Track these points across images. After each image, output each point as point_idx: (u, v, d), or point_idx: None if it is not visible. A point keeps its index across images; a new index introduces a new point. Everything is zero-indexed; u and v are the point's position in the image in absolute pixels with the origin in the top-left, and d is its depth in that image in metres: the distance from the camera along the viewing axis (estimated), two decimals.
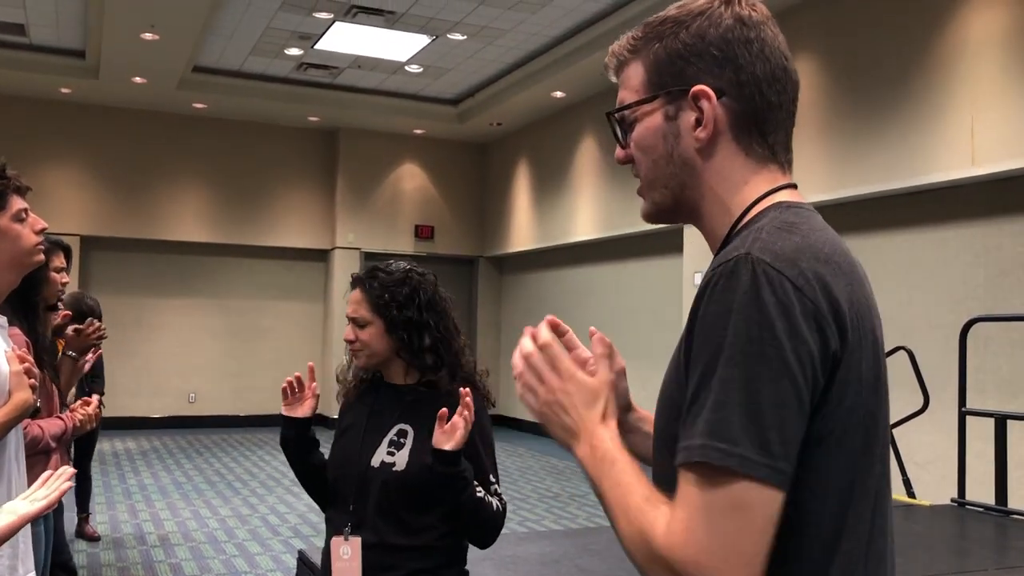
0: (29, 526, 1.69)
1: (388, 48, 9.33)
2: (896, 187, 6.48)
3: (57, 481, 1.49)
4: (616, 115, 1.10)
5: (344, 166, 12.31)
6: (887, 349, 5.68)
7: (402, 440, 2.01)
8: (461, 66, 9.96)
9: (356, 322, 2.06)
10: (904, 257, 6.77)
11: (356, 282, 2.11)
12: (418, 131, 12.32)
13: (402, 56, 9.61)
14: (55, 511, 3.58)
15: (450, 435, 1.88)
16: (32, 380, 2.06)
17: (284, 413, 2.13)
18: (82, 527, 5.88)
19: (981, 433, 4.89)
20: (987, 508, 4.44)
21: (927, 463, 6.23)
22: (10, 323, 2.60)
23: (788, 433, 0.89)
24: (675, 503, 0.92)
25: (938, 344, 6.25)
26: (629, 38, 1.09)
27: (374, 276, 2.09)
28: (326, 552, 2.06)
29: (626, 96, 1.09)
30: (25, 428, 2.59)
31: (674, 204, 1.09)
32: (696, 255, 8.26)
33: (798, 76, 1.09)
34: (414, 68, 10.05)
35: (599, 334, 1.15)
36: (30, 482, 2.68)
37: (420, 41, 9.08)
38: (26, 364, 2.04)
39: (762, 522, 0.89)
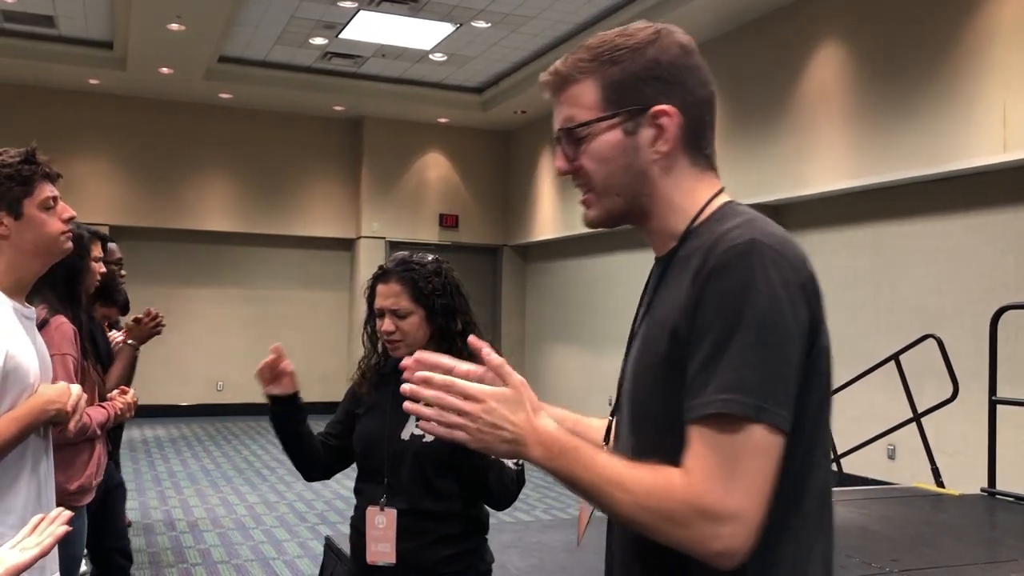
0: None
1: (412, 36, 9.33)
2: (926, 173, 6.39)
3: (51, 526, 1.41)
4: (569, 131, 1.19)
5: (369, 155, 12.34)
6: (917, 337, 5.62)
7: None
8: (485, 54, 9.94)
9: (396, 313, 2.13)
10: (933, 244, 6.69)
11: (389, 274, 2.17)
12: (442, 120, 12.32)
13: (426, 44, 9.60)
14: (117, 498, 3.66)
15: None
16: (75, 404, 2.06)
17: (268, 392, 2.20)
18: None
19: (1012, 422, 4.84)
20: (1017, 498, 4.39)
21: (956, 452, 6.17)
22: (55, 312, 2.64)
23: (791, 388, 1.04)
24: (691, 455, 1.03)
25: (968, 332, 6.17)
26: (575, 60, 1.19)
27: (410, 268, 2.16)
28: (359, 520, 2.16)
29: (576, 113, 1.19)
30: None
31: (626, 209, 1.21)
32: None
33: None
34: (438, 56, 10.04)
35: (485, 348, 1.17)
36: (74, 469, 2.72)
37: (444, 29, 9.07)
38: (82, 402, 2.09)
39: (776, 463, 1.03)
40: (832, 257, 7.62)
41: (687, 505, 1.01)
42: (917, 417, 5.54)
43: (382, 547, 2.09)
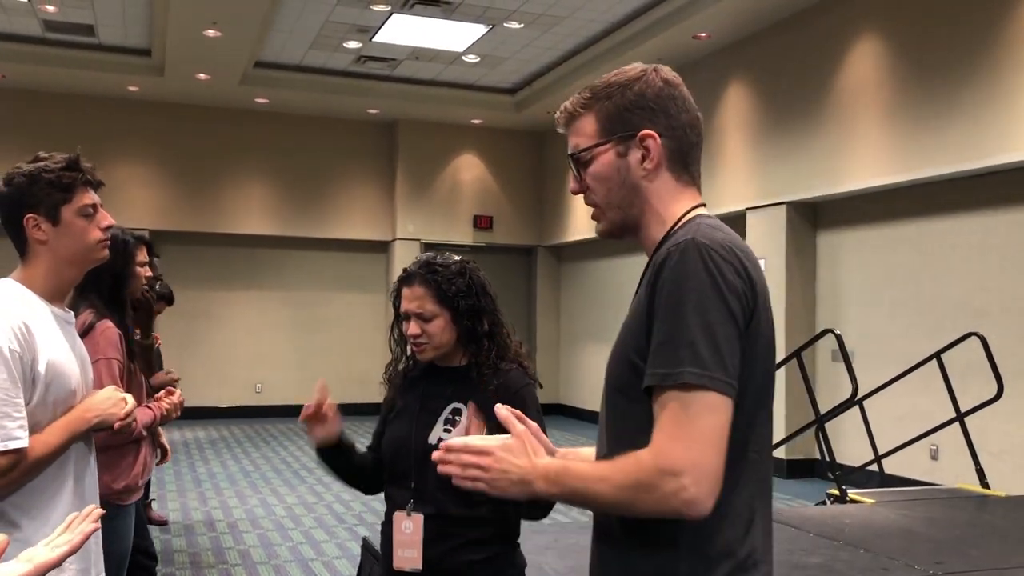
0: (101, 531, 1.64)
1: (445, 39, 9.36)
2: (967, 168, 6.28)
3: (82, 524, 1.43)
4: (575, 156, 1.42)
5: (403, 157, 12.40)
6: (959, 335, 5.54)
7: (457, 418, 2.10)
8: (518, 55, 9.94)
9: (421, 316, 2.11)
10: (976, 240, 6.57)
11: (412, 277, 2.15)
12: (476, 121, 12.34)
13: (459, 46, 9.62)
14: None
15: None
16: (124, 411, 2.07)
17: (316, 444, 2.19)
18: (148, 514, 6.04)
19: None
20: None
21: (1002, 452, 6.05)
22: (101, 316, 2.70)
23: (735, 360, 1.23)
24: (655, 427, 1.21)
25: (1012, 330, 6.05)
26: (579, 98, 1.42)
27: (433, 270, 2.13)
28: (387, 525, 2.14)
29: (581, 141, 1.42)
30: None
31: (623, 220, 1.42)
32: (758, 240, 8.13)
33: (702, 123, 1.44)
34: (471, 58, 10.06)
35: (503, 410, 1.38)
36: (120, 469, 2.76)
37: (477, 31, 9.08)
38: (129, 412, 2.10)
39: (727, 422, 1.21)
40: (872, 254, 7.51)
41: (653, 468, 1.18)
42: (960, 417, 5.44)
43: (408, 553, 2.05)
